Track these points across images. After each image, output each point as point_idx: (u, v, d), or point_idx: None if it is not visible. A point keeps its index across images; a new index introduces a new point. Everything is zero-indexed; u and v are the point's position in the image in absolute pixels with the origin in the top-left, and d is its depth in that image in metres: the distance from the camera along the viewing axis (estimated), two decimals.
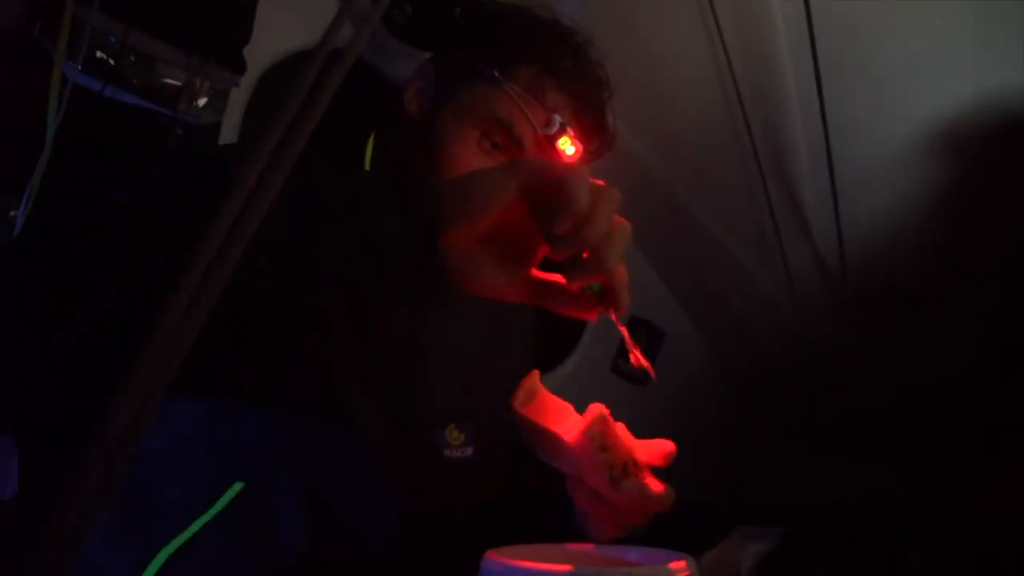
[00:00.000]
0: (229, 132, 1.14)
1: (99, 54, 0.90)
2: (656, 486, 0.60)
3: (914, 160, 1.24)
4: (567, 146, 0.86)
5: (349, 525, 0.72)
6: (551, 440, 0.62)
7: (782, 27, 1.12)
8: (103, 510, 0.37)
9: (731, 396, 1.87)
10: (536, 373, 0.64)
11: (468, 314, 0.92)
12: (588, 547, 0.66)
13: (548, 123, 0.85)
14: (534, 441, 0.62)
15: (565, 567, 0.52)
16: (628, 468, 0.60)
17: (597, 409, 0.60)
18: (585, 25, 0.93)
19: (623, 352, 1.67)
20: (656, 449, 0.63)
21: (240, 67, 1.04)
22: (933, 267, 1.39)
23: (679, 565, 0.53)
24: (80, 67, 0.88)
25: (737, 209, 1.46)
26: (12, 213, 0.92)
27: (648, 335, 1.71)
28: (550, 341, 0.60)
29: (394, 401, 0.78)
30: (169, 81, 0.97)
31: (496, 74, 0.86)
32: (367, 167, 0.91)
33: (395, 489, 0.78)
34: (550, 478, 0.82)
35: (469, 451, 0.84)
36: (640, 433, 0.62)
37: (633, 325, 1.69)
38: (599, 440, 0.59)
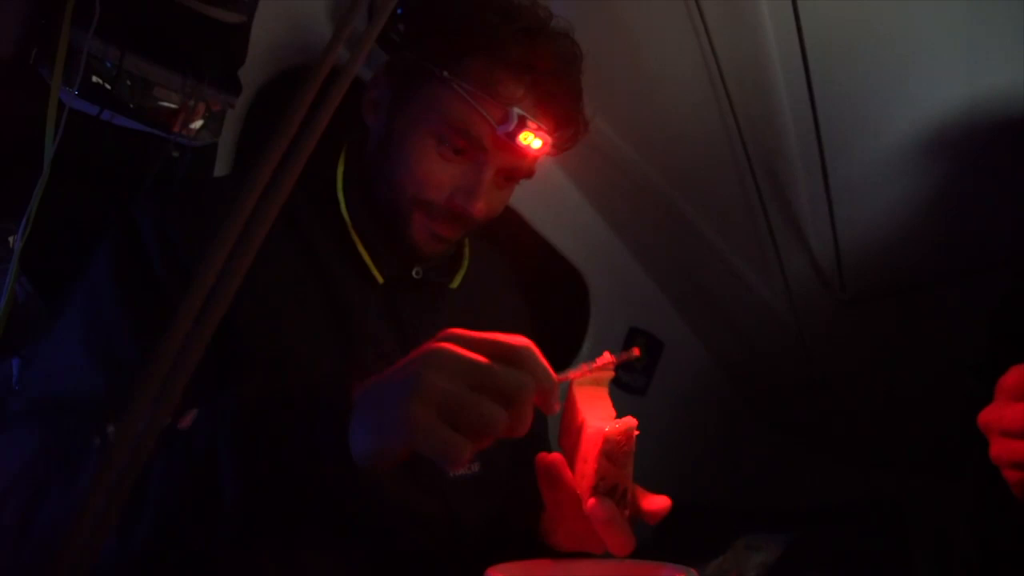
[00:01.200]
0: (225, 153, 1.14)
1: (95, 79, 0.90)
2: (624, 527, 0.59)
3: (907, 163, 1.25)
4: (531, 141, 0.78)
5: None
6: (576, 422, 0.62)
7: (771, 31, 1.12)
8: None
9: (732, 402, 1.87)
10: (611, 374, 0.63)
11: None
12: (589, 562, 0.65)
13: (506, 119, 0.77)
14: (564, 422, 0.61)
15: None
16: (616, 491, 0.59)
17: (631, 421, 0.59)
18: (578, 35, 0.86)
19: (622, 365, 1.67)
20: (652, 501, 0.63)
21: (235, 88, 1.04)
22: (929, 269, 1.39)
23: None
24: (77, 92, 0.88)
25: (733, 216, 1.47)
26: (11, 238, 0.92)
27: (647, 345, 1.71)
28: (548, 354, 0.60)
29: None
30: (165, 104, 0.97)
31: (444, 72, 0.78)
32: (339, 184, 0.86)
33: (404, 515, 0.78)
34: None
35: (476, 467, 0.83)
36: (642, 441, 0.62)
37: (632, 336, 1.69)
38: (612, 448, 0.58)
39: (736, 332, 1.72)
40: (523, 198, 1.44)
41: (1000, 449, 0.61)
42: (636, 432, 0.59)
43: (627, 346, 1.67)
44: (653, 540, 1.49)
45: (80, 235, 0.96)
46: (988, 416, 0.62)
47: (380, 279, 0.84)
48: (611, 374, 0.63)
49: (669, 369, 1.74)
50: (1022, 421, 0.59)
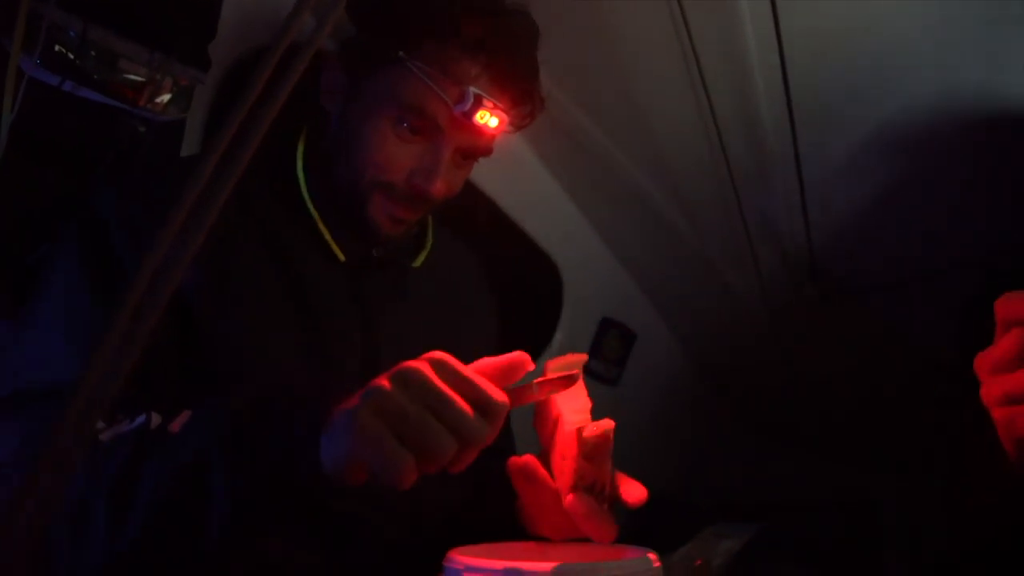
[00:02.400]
0: (194, 130, 1.12)
1: (58, 48, 0.88)
2: (604, 519, 0.59)
3: (880, 162, 1.26)
4: (488, 119, 0.78)
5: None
6: (551, 417, 0.62)
7: (750, 26, 1.12)
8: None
9: (704, 395, 1.88)
10: (584, 357, 0.62)
11: (425, 307, 0.91)
12: (551, 545, 0.66)
13: (462, 98, 0.77)
14: (539, 410, 0.61)
15: (526, 564, 0.52)
16: (595, 487, 0.59)
17: (609, 423, 0.59)
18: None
19: (594, 353, 1.68)
20: (631, 488, 0.63)
21: (205, 63, 1.02)
22: (900, 266, 1.40)
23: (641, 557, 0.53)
24: (38, 61, 0.86)
25: (707, 210, 1.47)
26: None
27: (620, 336, 1.71)
28: (521, 343, 0.60)
29: None
30: (131, 77, 0.94)
31: (399, 54, 0.77)
32: (299, 167, 0.86)
33: (366, 503, 0.78)
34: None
35: None
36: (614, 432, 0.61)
37: (605, 326, 1.69)
38: (590, 447, 0.59)
39: (709, 326, 1.73)
40: (498, 187, 1.43)
41: (990, 386, 0.57)
42: (612, 433, 0.59)
43: (600, 335, 1.67)
44: (623, 528, 1.49)
45: (38, 211, 0.93)
46: (980, 357, 0.58)
47: (342, 257, 0.84)
48: (583, 357, 0.63)
49: (641, 360, 1.74)
50: (1014, 349, 0.54)
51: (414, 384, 0.52)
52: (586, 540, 0.63)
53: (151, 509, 0.57)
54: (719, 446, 1.87)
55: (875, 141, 1.23)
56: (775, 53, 1.11)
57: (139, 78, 0.95)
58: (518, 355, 0.57)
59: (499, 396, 0.54)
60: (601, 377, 1.69)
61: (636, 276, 1.69)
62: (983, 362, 0.58)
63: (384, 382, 0.53)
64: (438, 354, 0.55)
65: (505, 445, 1.00)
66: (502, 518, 0.79)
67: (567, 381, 0.58)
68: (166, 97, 0.97)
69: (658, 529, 1.36)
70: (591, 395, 0.63)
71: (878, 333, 1.51)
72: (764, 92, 1.21)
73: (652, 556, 0.58)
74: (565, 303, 1.63)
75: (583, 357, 0.61)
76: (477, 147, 0.83)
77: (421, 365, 0.53)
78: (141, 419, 0.63)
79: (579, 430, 0.59)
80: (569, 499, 0.59)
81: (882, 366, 1.53)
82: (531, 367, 0.58)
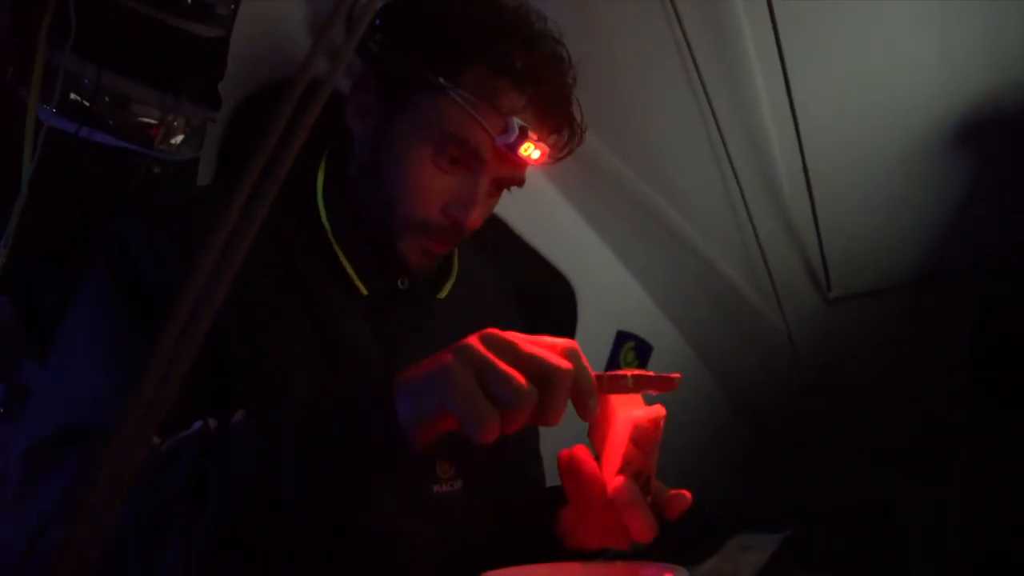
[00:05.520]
0: (207, 166, 1.14)
1: (73, 96, 0.90)
2: (646, 512, 0.60)
3: (890, 163, 1.26)
4: (531, 152, 0.76)
5: None
6: (606, 414, 0.62)
7: (749, 33, 1.13)
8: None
9: (722, 404, 1.87)
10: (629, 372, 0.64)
11: (450, 340, 0.89)
12: (579, 565, 0.66)
13: (506, 130, 0.75)
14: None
15: None
16: (640, 477, 0.60)
17: (660, 410, 0.60)
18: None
19: (610, 367, 1.68)
20: (675, 498, 0.64)
21: (215, 102, 1.04)
22: (917, 268, 1.40)
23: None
24: (55, 109, 0.88)
25: (718, 221, 1.48)
26: None
27: (636, 348, 1.71)
28: None
29: None
30: (145, 120, 0.97)
31: (441, 80, 0.74)
32: (319, 195, 0.83)
33: (390, 534, 0.77)
34: (536, 508, 0.81)
35: (459, 485, 0.81)
36: None
37: (621, 339, 1.69)
38: (640, 434, 0.59)
39: (724, 334, 1.73)
40: (507, 204, 1.44)
41: None
42: (663, 422, 0.60)
43: (616, 349, 1.68)
44: (647, 546, 1.49)
45: (61, 255, 0.95)
46: None
47: (364, 291, 0.82)
48: (641, 372, 0.64)
49: (657, 372, 1.74)
50: None
51: (494, 342, 0.54)
52: (614, 559, 0.63)
53: (223, 513, 0.57)
54: (739, 455, 1.86)
55: (884, 145, 1.24)
56: (774, 54, 1.12)
57: (152, 120, 0.97)
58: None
59: (566, 341, 0.57)
60: None
61: (649, 288, 1.70)
62: None
63: (472, 340, 0.55)
64: (509, 332, 0.57)
65: (535, 472, 1.00)
66: (530, 544, 0.79)
67: (668, 382, 0.59)
68: (179, 138, 0.99)
69: (682, 541, 1.36)
70: None
71: (894, 335, 1.50)
72: (767, 100, 1.22)
73: (685, 571, 0.58)
74: (580, 318, 1.64)
75: (632, 373, 0.62)
76: (514, 178, 0.82)
77: (498, 331, 0.56)
78: (197, 425, 0.63)
79: (631, 415, 0.60)
80: (615, 483, 0.59)
81: (898, 368, 1.52)
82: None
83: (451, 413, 0.53)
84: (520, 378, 0.52)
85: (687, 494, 0.64)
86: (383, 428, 0.56)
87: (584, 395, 0.56)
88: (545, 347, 0.56)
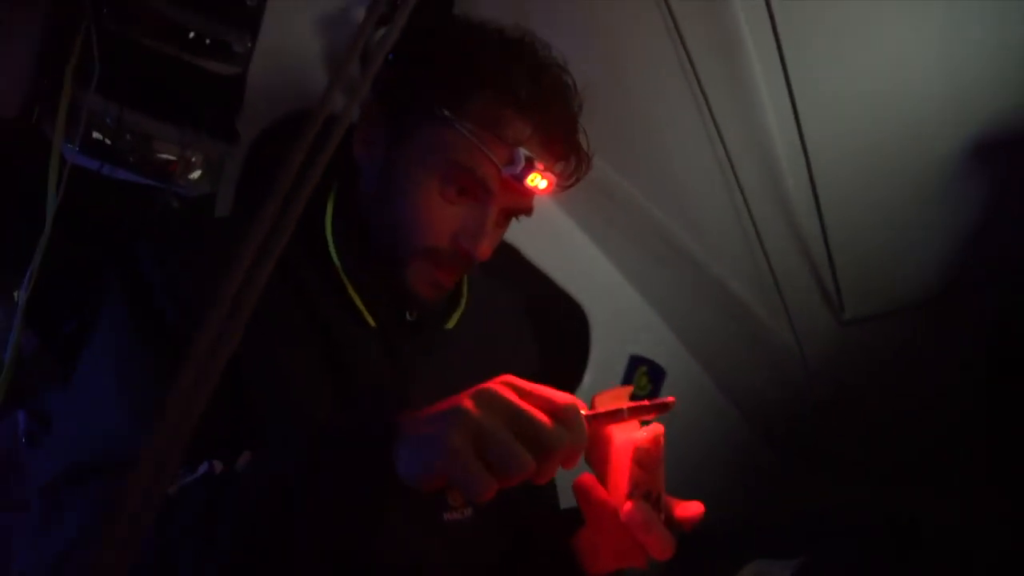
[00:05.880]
0: (224, 200, 1.16)
1: (96, 135, 0.93)
2: (662, 530, 0.61)
3: (902, 182, 1.26)
4: (537, 182, 0.76)
5: None
6: (602, 441, 0.63)
7: (748, 36, 1.14)
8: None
9: (737, 425, 1.86)
10: (630, 388, 0.65)
11: (460, 369, 0.88)
12: None
13: (512, 160, 0.75)
14: (589, 420, 0.62)
15: None
16: (650, 496, 0.61)
17: (658, 428, 0.62)
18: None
19: (631, 396, 1.68)
20: (685, 506, 0.64)
21: (233, 137, 1.06)
22: (931, 286, 1.40)
23: None
24: (78, 148, 0.90)
25: (728, 244, 1.48)
26: (16, 292, 0.93)
27: (649, 373, 1.71)
28: (550, 384, 0.62)
29: None
30: (164, 156, 0.99)
31: (445, 112, 0.74)
32: (328, 227, 0.83)
33: (406, 557, 0.77)
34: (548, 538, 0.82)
35: (469, 512, 0.81)
36: None
37: (634, 364, 1.69)
38: (642, 456, 0.60)
39: (738, 356, 1.72)
40: (517, 230, 1.45)
41: None
42: (663, 439, 0.61)
43: (629, 374, 1.68)
44: (664, 568, 1.48)
45: (84, 287, 0.97)
46: None
47: (372, 323, 0.82)
48: (629, 389, 0.65)
49: (672, 396, 1.73)
50: None
51: (493, 402, 0.55)
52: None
53: (234, 551, 0.58)
54: (754, 476, 1.85)
55: (895, 163, 1.24)
56: (779, 71, 1.13)
57: (171, 156, 1.00)
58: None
59: (566, 399, 0.57)
60: None
61: (662, 312, 1.70)
62: None
63: (467, 402, 0.55)
64: (508, 376, 0.58)
65: (548, 495, 1.00)
66: (546, 569, 0.80)
67: (662, 408, 0.60)
68: (198, 173, 1.02)
69: (697, 566, 1.35)
70: None
71: (909, 353, 1.49)
72: (775, 120, 1.23)
73: None
74: (592, 343, 1.64)
75: (629, 389, 0.63)
76: (522, 207, 0.82)
77: (496, 386, 0.56)
78: (204, 467, 0.64)
79: (631, 438, 0.61)
80: (627, 507, 0.60)
81: (917, 387, 1.51)
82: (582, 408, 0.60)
83: (447, 478, 0.54)
84: (516, 447, 0.53)
85: (698, 504, 0.65)
86: (383, 480, 0.58)
87: (574, 458, 0.57)
88: (544, 404, 0.56)
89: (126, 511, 0.38)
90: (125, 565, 0.38)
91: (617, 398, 0.63)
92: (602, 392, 0.64)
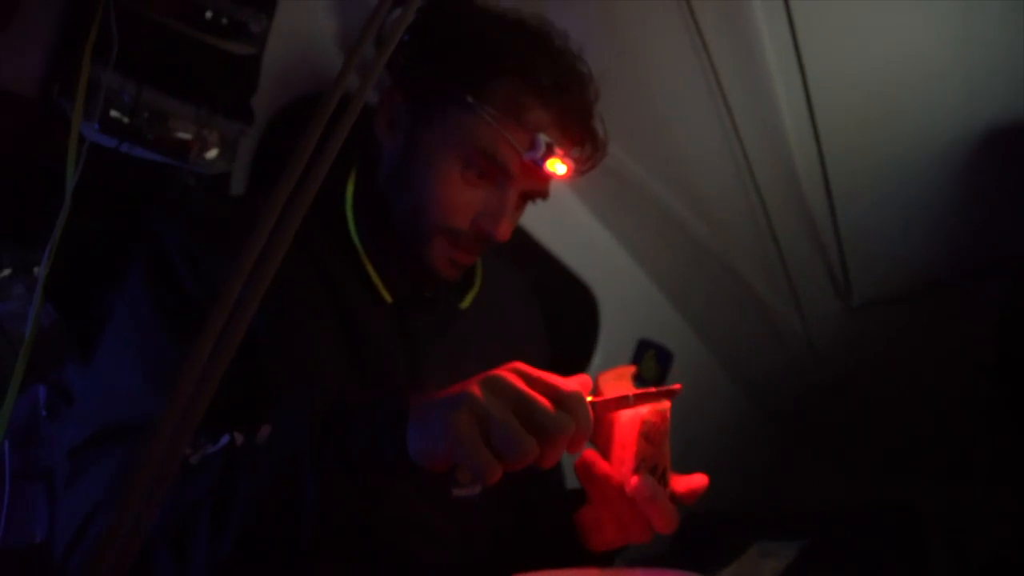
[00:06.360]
0: (239, 179, 1.17)
1: (114, 113, 0.94)
2: (667, 504, 0.62)
3: (911, 166, 1.26)
4: (556, 167, 0.79)
5: None
6: (606, 420, 0.64)
7: (763, 20, 1.14)
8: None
9: (744, 409, 1.87)
10: (633, 368, 0.66)
11: (472, 348, 0.90)
12: (603, 571, 0.67)
13: (533, 146, 0.77)
14: (595, 406, 0.63)
15: None
16: (656, 470, 0.62)
17: (666, 403, 0.63)
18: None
19: (635, 377, 1.69)
20: (689, 480, 0.66)
21: (248, 117, 1.07)
22: (936, 272, 1.40)
23: None
24: (97, 126, 0.92)
25: (737, 227, 1.48)
26: (35, 268, 0.95)
27: (657, 356, 1.72)
28: (557, 369, 0.64)
29: None
30: (181, 135, 1.00)
31: (469, 98, 0.77)
32: (348, 206, 0.85)
33: (416, 531, 0.79)
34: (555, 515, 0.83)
35: (478, 489, 0.83)
36: None
37: (642, 347, 1.70)
38: (649, 429, 0.61)
39: (745, 340, 1.73)
40: (529, 213, 1.46)
41: None
42: (669, 413, 0.63)
43: (637, 357, 1.69)
44: (668, 549, 1.49)
45: (101, 262, 0.99)
46: None
47: (388, 299, 0.84)
48: (632, 368, 0.66)
49: (680, 379, 1.74)
50: None
51: (499, 388, 0.57)
52: (635, 566, 0.64)
53: (248, 518, 0.60)
54: (760, 461, 1.86)
55: (906, 147, 1.23)
56: (794, 63, 1.13)
57: (188, 135, 1.01)
58: (582, 376, 0.62)
59: (571, 385, 0.59)
60: None
61: (670, 296, 1.71)
62: None
63: (475, 387, 0.57)
64: (518, 364, 0.60)
65: (556, 478, 1.01)
66: (551, 546, 0.81)
67: (668, 395, 0.61)
68: (214, 152, 1.03)
69: (703, 547, 1.36)
70: None
71: (916, 339, 1.50)
72: (787, 108, 1.23)
73: None
74: (601, 326, 1.65)
75: (632, 368, 0.64)
76: (539, 191, 0.84)
77: (504, 372, 0.58)
78: (225, 439, 0.66)
79: (639, 413, 0.62)
80: (633, 481, 0.62)
81: (922, 372, 1.51)
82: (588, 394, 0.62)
83: (454, 460, 0.56)
84: (521, 432, 0.55)
85: (702, 476, 0.66)
86: (395, 456, 0.60)
87: (579, 444, 0.58)
88: (550, 391, 0.58)
89: (144, 476, 0.40)
90: (143, 529, 0.40)
91: (621, 377, 0.64)
92: (606, 371, 0.65)
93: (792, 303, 1.54)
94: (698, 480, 0.66)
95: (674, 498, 0.64)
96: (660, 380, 1.73)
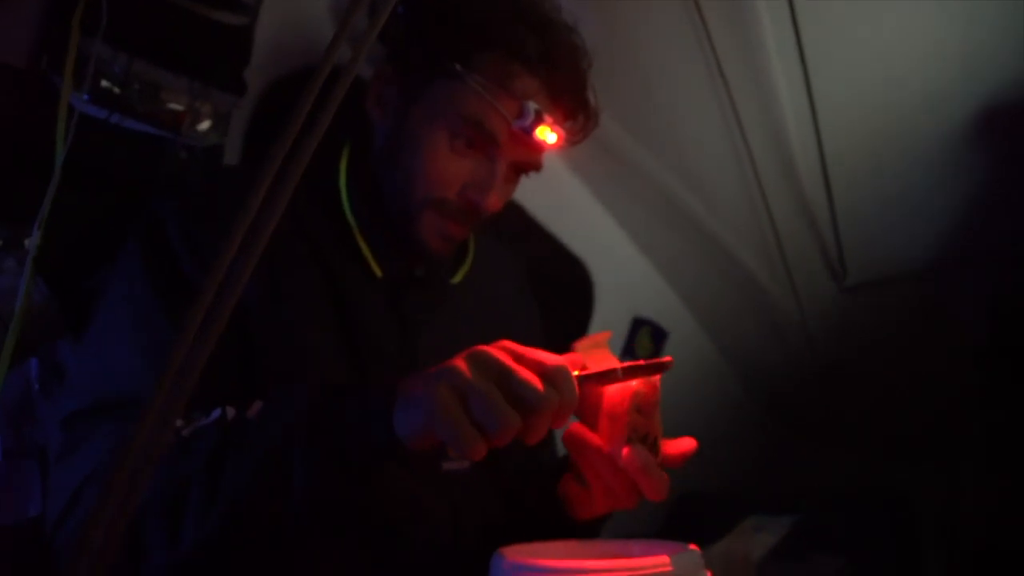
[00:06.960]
0: (232, 152, 1.16)
1: (104, 83, 0.93)
2: (658, 473, 0.62)
3: (908, 150, 1.26)
4: (546, 135, 0.78)
5: None
6: (593, 392, 0.64)
7: (768, 19, 1.13)
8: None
9: (737, 390, 1.88)
10: (609, 334, 0.66)
11: (464, 323, 0.91)
12: (596, 542, 0.67)
13: (521, 113, 0.77)
14: (581, 380, 0.63)
15: (570, 563, 0.54)
16: (647, 439, 0.62)
17: (655, 376, 0.63)
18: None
19: (627, 352, 1.69)
20: (678, 443, 0.66)
21: (241, 89, 1.06)
22: (934, 257, 1.40)
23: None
24: (87, 97, 0.90)
25: (733, 206, 1.48)
26: (26, 240, 0.94)
27: (652, 334, 1.72)
28: (553, 344, 0.63)
29: None
30: (173, 107, 0.99)
31: (456, 67, 0.77)
32: (342, 182, 0.86)
33: (406, 506, 0.80)
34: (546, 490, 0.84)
35: (467, 463, 0.84)
36: None
37: (637, 325, 1.70)
38: (640, 400, 0.62)
39: (740, 320, 1.73)
40: (525, 189, 1.45)
41: None
42: (659, 383, 0.63)
43: (631, 335, 1.69)
44: (663, 526, 1.51)
45: (92, 236, 0.98)
46: None
47: (379, 274, 0.84)
48: (608, 334, 0.66)
49: (674, 358, 1.75)
50: None
51: (485, 363, 0.56)
52: (629, 539, 0.65)
53: (238, 493, 0.60)
54: (753, 442, 1.87)
55: (902, 131, 1.23)
56: (792, 41, 1.12)
57: (180, 107, 1.00)
58: (572, 355, 0.62)
59: (555, 360, 0.58)
60: None
61: (666, 274, 1.71)
62: None
63: (460, 362, 0.57)
64: (506, 342, 0.59)
65: (548, 451, 1.02)
66: (539, 517, 0.81)
67: (658, 368, 0.61)
68: (206, 124, 1.02)
69: (697, 525, 1.38)
70: None
71: (910, 324, 1.50)
72: (785, 85, 1.22)
73: (694, 548, 0.59)
74: (596, 303, 1.65)
75: (608, 334, 0.64)
76: (530, 162, 0.84)
77: (490, 348, 0.58)
78: (217, 413, 0.66)
79: (629, 384, 0.62)
80: (625, 451, 0.62)
81: (914, 357, 1.52)
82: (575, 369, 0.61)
83: (438, 436, 0.56)
84: (503, 405, 0.54)
85: (690, 440, 0.66)
86: (383, 437, 0.59)
87: (563, 418, 0.58)
88: (535, 366, 0.57)
89: (134, 450, 0.40)
90: (132, 503, 0.40)
91: (597, 344, 0.64)
92: (581, 339, 0.65)
93: (786, 282, 1.54)
94: (687, 444, 0.66)
95: (663, 463, 0.64)
96: (655, 357, 1.73)
